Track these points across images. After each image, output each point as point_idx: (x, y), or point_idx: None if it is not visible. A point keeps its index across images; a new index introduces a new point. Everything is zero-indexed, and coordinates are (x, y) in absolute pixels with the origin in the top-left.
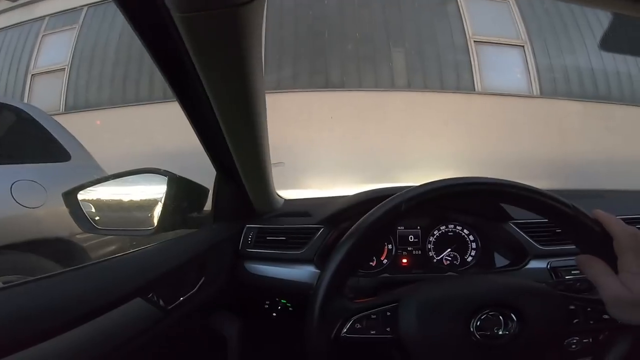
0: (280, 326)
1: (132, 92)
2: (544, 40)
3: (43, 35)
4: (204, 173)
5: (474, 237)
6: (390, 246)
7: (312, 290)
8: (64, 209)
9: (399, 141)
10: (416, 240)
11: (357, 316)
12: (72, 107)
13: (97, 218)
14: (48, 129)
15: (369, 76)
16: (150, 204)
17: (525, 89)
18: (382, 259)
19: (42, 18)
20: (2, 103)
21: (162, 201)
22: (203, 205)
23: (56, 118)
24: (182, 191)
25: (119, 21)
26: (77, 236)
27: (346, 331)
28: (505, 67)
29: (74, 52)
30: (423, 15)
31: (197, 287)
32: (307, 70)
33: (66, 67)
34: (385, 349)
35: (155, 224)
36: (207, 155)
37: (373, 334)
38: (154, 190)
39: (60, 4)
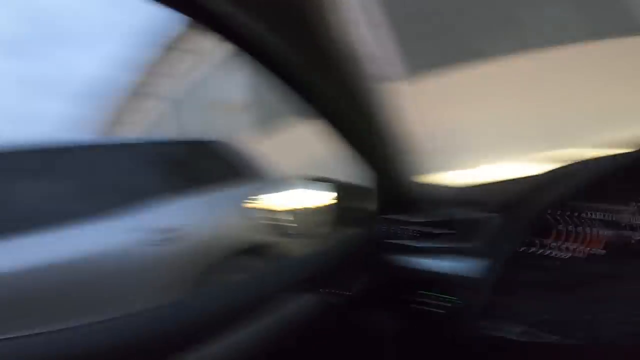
0: (441, 326)
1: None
2: None
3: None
4: None
5: None
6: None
7: (477, 285)
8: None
9: (570, 103)
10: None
11: (522, 318)
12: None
13: (283, 225)
14: (242, 155)
15: (516, 40)
16: (318, 210)
17: None
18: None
19: None
20: (208, 140)
21: (328, 205)
22: (366, 204)
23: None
24: (337, 193)
25: None
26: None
27: (503, 331)
28: None
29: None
30: None
31: (355, 285)
32: (448, 45)
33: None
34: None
35: (324, 227)
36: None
37: (555, 340)
38: (321, 196)
39: None
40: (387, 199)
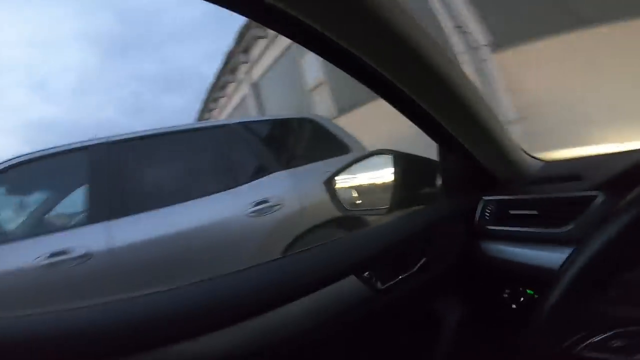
0: (521, 321)
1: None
2: None
3: (298, 59)
4: None
5: None
6: None
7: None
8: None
9: None
10: None
11: (618, 330)
12: (341, 111)
13: (347, 200)
14: (331, 131)
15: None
16: (383, 184)
17: None
18: None
19: (289, 45)
20: (298, 118)
21: (393, 179)
22: (434, 180)
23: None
24: (411, 168)
25: None
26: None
27: (588, 345)
28: None
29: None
30: None
31: (416, 267)
32: (550, 11)
33: (324, 79)
34: None
35: (389, 202)
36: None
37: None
38: (385, 170)
39: None
40: (456, 175)
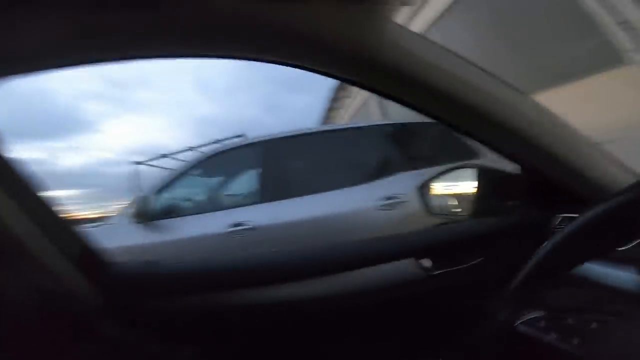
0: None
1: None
2: None
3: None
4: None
5: None
6: None
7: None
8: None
9: None
10: None
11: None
12: None
13: (436, 205)
14: (459, 137)
15: None
16: (467, 194)
17: None
18: None
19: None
20: (429, 122)
21: (476, 190)
22: (515, 193)
23: None
24: (493, 180)
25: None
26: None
27: (523, 322)
28: None
29: None
30: None
31: (470, 264)
32: None
33: None
34: None
35: (470, 211)
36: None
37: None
38: (469, 182)
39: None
40: (552, 192)
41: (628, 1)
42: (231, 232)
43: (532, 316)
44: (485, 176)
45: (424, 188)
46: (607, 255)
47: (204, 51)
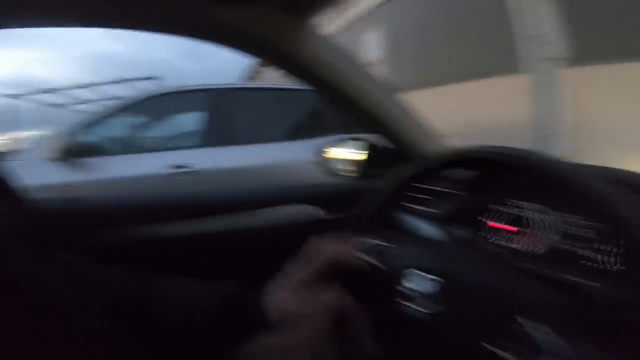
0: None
1: (437, 75)
2: None
3: (360, 34)
4: None
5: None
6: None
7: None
8: None
9: None
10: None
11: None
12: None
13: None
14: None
15: None
16: (355, 159)
17: None
18: (533, 246)
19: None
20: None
21: (360, 158)
22: (394, 161)
23: None
24: (373, 151)
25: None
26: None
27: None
28: None
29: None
30: None
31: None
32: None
33: (383, 59)
34: None
35: (357, 172)
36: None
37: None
38: (357, 151)
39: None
40: (381, 158)
41: (544, 18)
42: (172, 173)
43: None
44: (370, 146)
45: (321, 151)
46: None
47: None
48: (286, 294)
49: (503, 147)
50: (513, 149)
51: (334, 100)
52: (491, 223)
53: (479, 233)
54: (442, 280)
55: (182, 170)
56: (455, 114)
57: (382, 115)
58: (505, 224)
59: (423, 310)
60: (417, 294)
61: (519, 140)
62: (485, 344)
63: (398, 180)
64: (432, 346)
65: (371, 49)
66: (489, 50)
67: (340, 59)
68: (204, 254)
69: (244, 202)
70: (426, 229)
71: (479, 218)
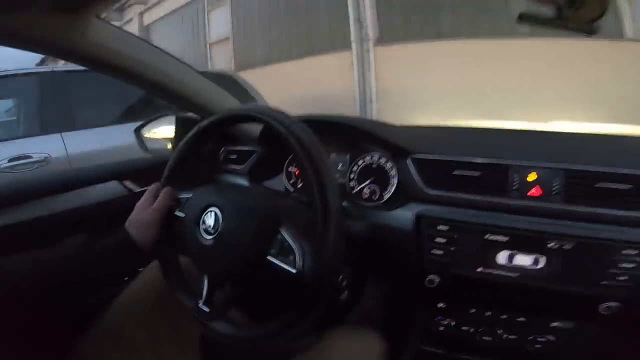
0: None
1: (283, 51)
2: None
3: (208, 12)
4: None
5: (395, 171)
6: None
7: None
8: None
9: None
10: (343, 168)
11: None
12: (239, 68)
13: (148, 145)
14: (246, 88)
15: (484, 25)
16: (169, 137)
17: None
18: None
19: None
20: (217, 72)
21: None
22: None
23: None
24: (184, 124)
25: None
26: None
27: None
28: None
29: (232, 24)
30: None
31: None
32: (421, 21)
33: (230, 36)
34: None
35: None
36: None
37: None
38: (170, 127)
39: None
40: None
41: (363, 5)
42: (12, 166)
43: None
44: (181, 121)
45: (138, 130)
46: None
47: None
48: (145, 216)
49: (255, 106)
50: (260, 107)
51: (137, 84)
52: (291, 169)
53: (284, 179)
54: (222, 211)
55: (20, 162)
56: (294, 87)
57: (187, 92)
58: (297, 169)
59: (211, 237)
60: (209, 227)
61: (344, 105)
62: (261, 254)
63: (184, 142)
64: (224, 263)
65: (217, 28)
66: (324, 30)
67: (131, 45)
68: (32, 239)
69: (62, 184)
70: (234, 181)
71: (282, 166)
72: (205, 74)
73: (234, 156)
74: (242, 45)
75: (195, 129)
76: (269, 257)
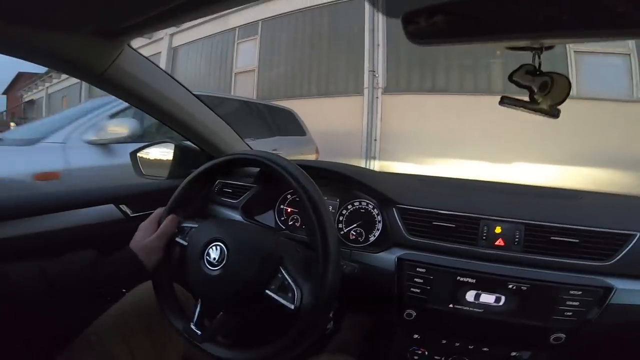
0: None
1: (304, 88)
2: None
3: (238, 43)
4: None
5: (380, 217)
6: None
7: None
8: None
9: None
10: (333, 211)
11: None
12: (260, 99)
13: (142, 169)
14: (298, 120)
15: (468, 83)
16: (166, 162)
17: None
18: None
19: (234, 29)
20: (280, 107)
21: (172, 160)
22: (196, 162)
23: None
24: (181, 153)
25: (285, 32)
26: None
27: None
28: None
29: (258, 57)
30: None
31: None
32: (420, 76)
33: (255, 68)
34: None
35: (166, 174)
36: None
37: None
38: (167, 154)
39: (243, 18)
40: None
41: (377, 59)
42: None
43: None
44: (179, 150)
45: (134, 154)
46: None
47: None
48: (150, 240)
49: (257, 152)
50: (259, 152)
51: (154, 115)
52: (283, 207)
53: (274, 215)
54: (228, 246)
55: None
56: (310, 122)
57: (192, 124)
58: (288, 207)
59: (216, 269)
60: (213, 259)
61: (352, 141)
62: (261, 289)
63: (194, 177)
64: (224, 293)
65: (244, 59)
66: (341, 75)
67: (157, 77)
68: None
69: (56, 204)
70: (228, 214)
71: (275, 203)
72: (270, 107)
73: (228, 190)
74: (265, 78)
75: (209, 164)
76: (269, 292)
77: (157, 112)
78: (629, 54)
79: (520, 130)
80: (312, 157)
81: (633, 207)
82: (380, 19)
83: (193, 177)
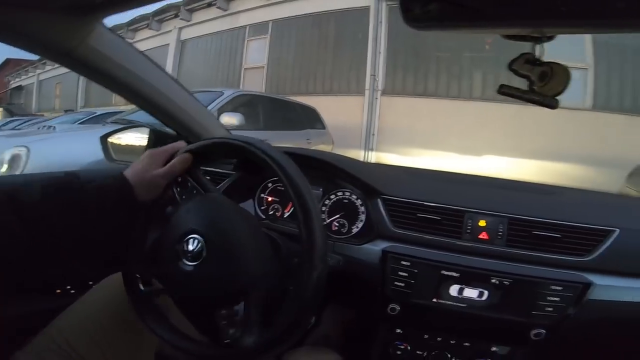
0: None
1: (310, 86)
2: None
3: (248, 40)
4: None
5: (364, 208)
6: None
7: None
8: None
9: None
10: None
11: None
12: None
13: (114, 153)
14: (320, 116)
15: (453, 88)
16: (139, 147)
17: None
18: (285, 210)
19: (244, 27)
20: (304, 105)
21: (145, 146)
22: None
23: None
24: (156, 139)
25: (294, 34)
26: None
27: None
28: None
29: (268, 55)
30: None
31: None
32: (413, 81)
33: (265, 65)
34: None
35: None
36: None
37: None
38: (141, 139)
39: (254, 18)
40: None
41: (378, 64)
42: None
43: None
44: (155, 134)
45: (104, 138)
46: None
47: None
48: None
49: (236, 137)
50: (238, 137)
51: (128, 98)
52: (263, 195)
53: (254, 204)
54: (204, 240)
55: None
56: None
57: (169, 107)
58: (269, 196)
59: (190, 264)
60: (189, 253)
61: (352, 135)
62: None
63: (222, 141)
64: (198, 291)
65: (254, 55)
66: (344, 77)
67: (131, 58)
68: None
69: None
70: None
71: (255, 192)
72: (294, 104)
73: (207, 177)
74: (274, 75)
75: (206, 142)
76: (215, 314)
77: (131, 94)
78: (587, 69)
79: (491, 130)
80: (329, 148)
81: (613, 204)
82: (383, 29)
83: (221, 141)
